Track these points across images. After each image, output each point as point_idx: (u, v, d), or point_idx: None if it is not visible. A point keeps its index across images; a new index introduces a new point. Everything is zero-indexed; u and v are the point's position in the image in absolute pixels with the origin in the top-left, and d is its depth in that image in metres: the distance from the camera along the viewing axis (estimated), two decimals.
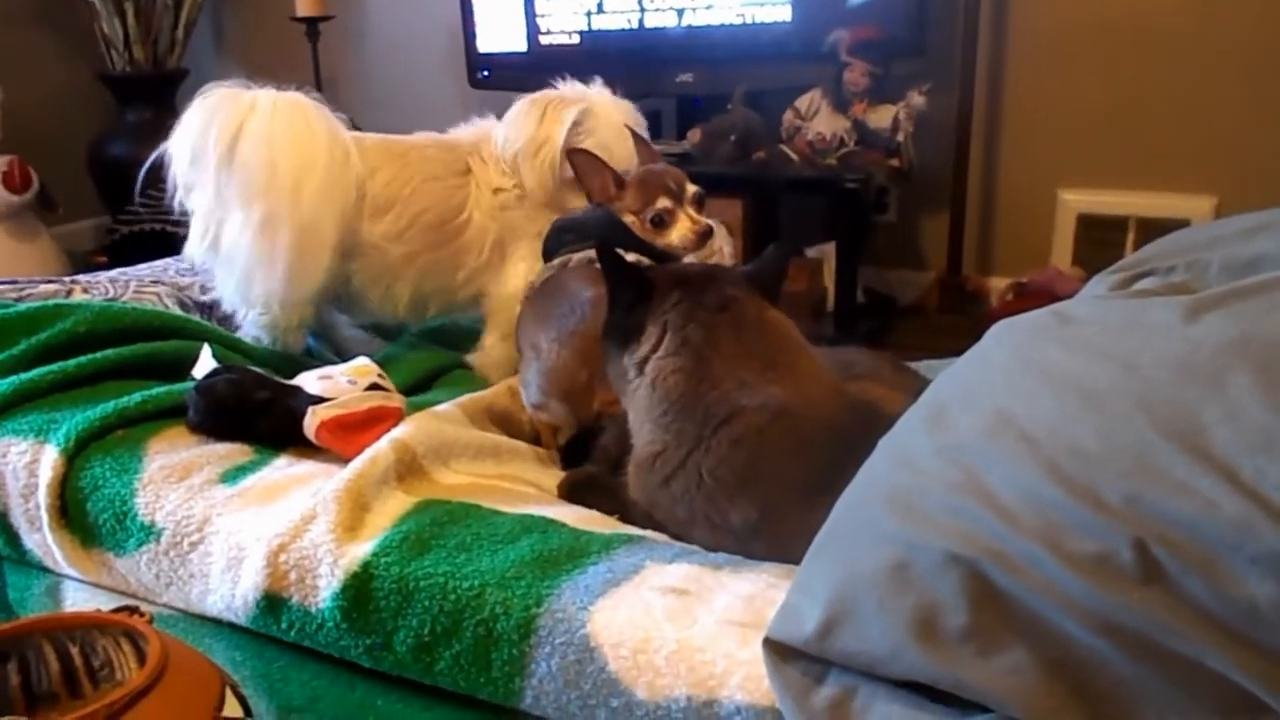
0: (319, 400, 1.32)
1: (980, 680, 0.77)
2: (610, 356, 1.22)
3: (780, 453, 1.08)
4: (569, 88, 1.78)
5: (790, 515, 1.07)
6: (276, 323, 1.68)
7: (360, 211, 1.67)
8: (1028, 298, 2.74)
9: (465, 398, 1.49)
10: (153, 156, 1.64)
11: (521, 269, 1.73)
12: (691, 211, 1.61)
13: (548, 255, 1.62)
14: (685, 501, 1.13)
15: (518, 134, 1.72)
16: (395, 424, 1.32)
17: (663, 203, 1.58)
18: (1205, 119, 2.79)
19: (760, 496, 1.10)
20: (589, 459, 1.39)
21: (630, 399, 1.19)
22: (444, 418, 1.38)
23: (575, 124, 1.71)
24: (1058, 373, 0.88)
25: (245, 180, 1.58)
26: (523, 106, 1.75)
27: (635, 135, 1.73)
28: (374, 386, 1.37)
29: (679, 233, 1.58)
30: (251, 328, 1.70)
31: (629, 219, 1.59)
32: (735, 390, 1.11)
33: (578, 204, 1.69)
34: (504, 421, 1.51)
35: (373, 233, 1.69)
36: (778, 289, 1.23)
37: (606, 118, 1.74)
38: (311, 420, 1.30)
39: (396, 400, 1.38)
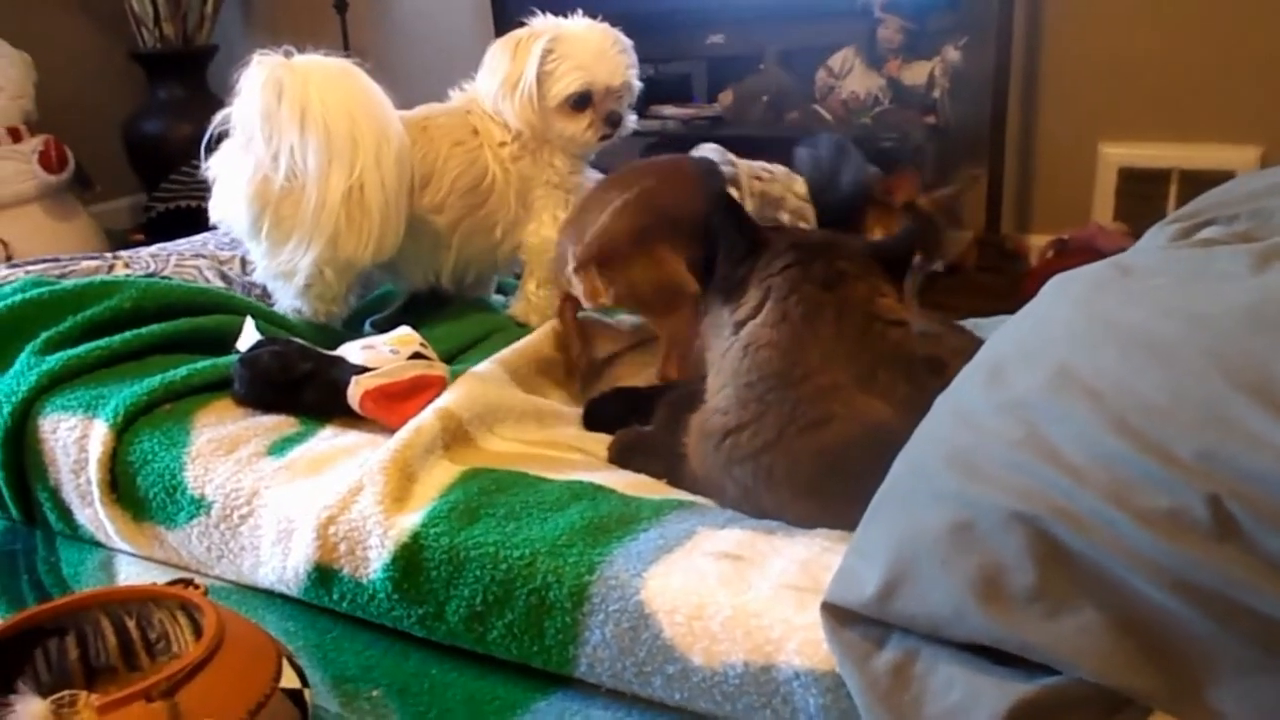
0: (362, 370, 1.32)
1: (1048, 641, 0.75)
2: (712, 308, 1.19)
3: (862, 474, 0.97)
4: (540, 20, 1.75)
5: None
6: (326, 292, 1.66)
7: (413, 185, 1.66)
8: (1069, 255, 2.69)
9: (506, 351, 1.49)
10: (213, 125, 1.59)
11: (547, 217, 1.73)
12: None
13: None
14: (745, 489, 1.11)
15: (493, 78, 1.71)
16: (439, 393, 1.32)
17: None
18: (1248, 67, 2.72)
19: (827, 509, 1.06)
20: (616, 422, 1.38)
21: (719, 356, 1.16)
22: (486, 379, 1.38)
23: (548, 52, 1.68)
24: (1122, 326, 0.85)
25: (326, 148, 1.51)
26: (493, 50, 1.74)
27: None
28: (416, 355, 1.36)
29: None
30: (293, 298, 1.67)
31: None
32: (830, 392, 1.06)
33: (572, 131, 1.71)
34: (550, 370, 1.52)
35: (420, 205, 1.68)
36: (904, 267, 1.18)
37: (581, 41, 1.71)
38: (355, 390, 1.29)
39: (439, 369, 1.38)
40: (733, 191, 1.50)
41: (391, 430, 1.24)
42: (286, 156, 1.51)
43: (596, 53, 1.71)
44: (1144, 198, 2.85)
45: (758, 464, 1.09)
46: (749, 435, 1.09)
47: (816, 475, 1.07)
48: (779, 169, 1.68)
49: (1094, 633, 0.74)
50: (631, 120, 1.79)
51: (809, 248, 1.14)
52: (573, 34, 1.72)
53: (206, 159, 1.61)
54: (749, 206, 1.49)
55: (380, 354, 1.34)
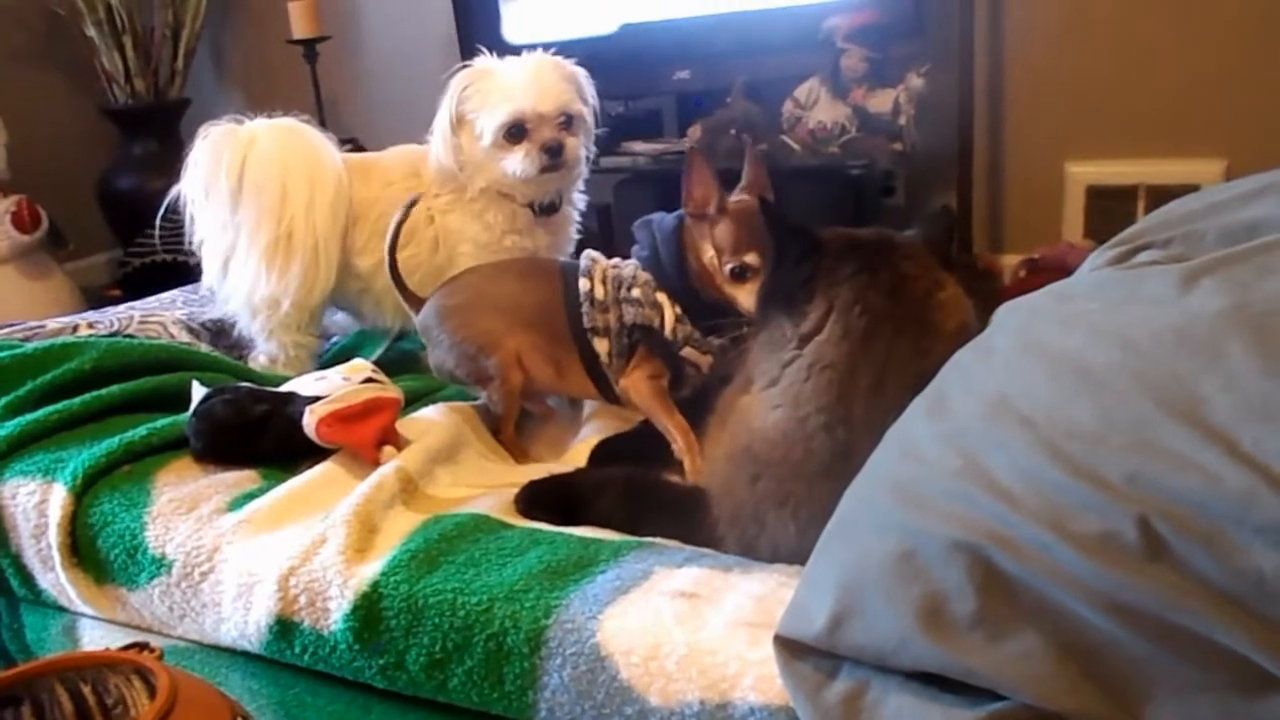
0: (316, 400, 1.32)
1: (990, 667, 0.75)
2: (771, 319, 1.14)
3: None
4: (479, 61, 1.70)
5: None
6: (288, 322, 1.73)
7: (349, 227, 1.73)
8: (1040, 273, 2.71)
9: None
10: (168, 198, 1.72)
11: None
12: None
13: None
14: (771, 525, 1.09)
15: (436, 122, 1.70)
16: (394, 415, 1.34)
17: (753, 258, 1.35)
18: (1211, 81, 2.75)
19: None
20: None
21: (778, 367, 1.11)
22: (440, 428, 1.40)
23: (468, 89, 1.66)
24: (1055, 352, 0.86)
25: (257, 204, 1.65)
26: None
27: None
28: (368, 381, 1.37)
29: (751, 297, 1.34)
30: (262, 339, 1.75)
31: (708, 253, 1.39)
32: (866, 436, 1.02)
33: (511, 164, 1.64)
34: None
35: (350, 248, 1.74)
36: (948, 250, 1.18)
37: (507, 73, 1.66)
38: (310, 419, 1.30)
39: (393, 391, 1.38)
40: (585, 281, 1.46)
41: (354, 456, 1.29)
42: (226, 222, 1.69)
43: (526, 81, 1.65)
44: (1112, 214, 2.87)
45: (791, 507, 1.07)
46: (792, 474, 1.07)
47: None
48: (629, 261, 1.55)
49: (1035, 657, 0.74)
50: (582, 152, 1.71)
51: (871, 250, 1.12)
52: (499, 68, 1.67)
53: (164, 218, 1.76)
54: (600, 292, 1.45)
55: (332, 382, 1.36)
